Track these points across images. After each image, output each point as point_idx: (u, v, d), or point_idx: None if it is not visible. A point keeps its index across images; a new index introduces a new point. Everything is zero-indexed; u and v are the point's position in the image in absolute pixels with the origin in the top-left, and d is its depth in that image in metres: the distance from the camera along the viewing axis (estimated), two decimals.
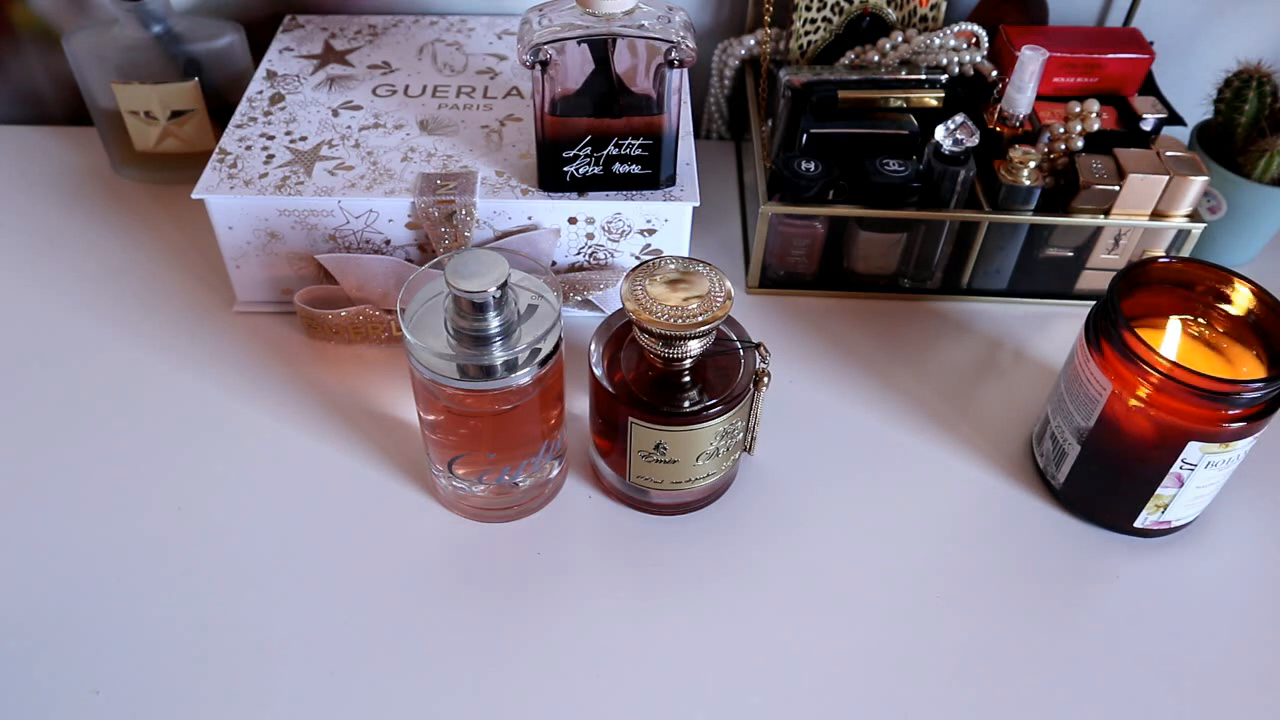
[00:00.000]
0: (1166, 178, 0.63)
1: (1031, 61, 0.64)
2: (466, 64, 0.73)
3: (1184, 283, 0.55)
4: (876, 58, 0.71)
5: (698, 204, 0.62)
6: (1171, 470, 0.51)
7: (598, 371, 0.52)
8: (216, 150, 0.64)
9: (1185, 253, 0.67)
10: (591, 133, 0.59)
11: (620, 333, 0.54)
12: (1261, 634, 0.52)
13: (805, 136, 0.66)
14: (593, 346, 0.53)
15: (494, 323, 0.47)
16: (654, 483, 0.54)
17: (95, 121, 0.75)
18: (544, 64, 0.56)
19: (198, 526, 0.55)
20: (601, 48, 0.55)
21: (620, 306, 0.51)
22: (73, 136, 0.82)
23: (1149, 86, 0.71)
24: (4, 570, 0.53)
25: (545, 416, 0.52)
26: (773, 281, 0.70)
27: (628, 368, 0.53)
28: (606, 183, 0.61)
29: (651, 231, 0.64)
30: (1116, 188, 0.64)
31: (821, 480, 0.58)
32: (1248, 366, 0.53)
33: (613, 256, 0.65)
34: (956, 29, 0.71)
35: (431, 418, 0.52)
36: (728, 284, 0.49)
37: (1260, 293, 0.53)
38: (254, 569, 0.53)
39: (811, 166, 0.65)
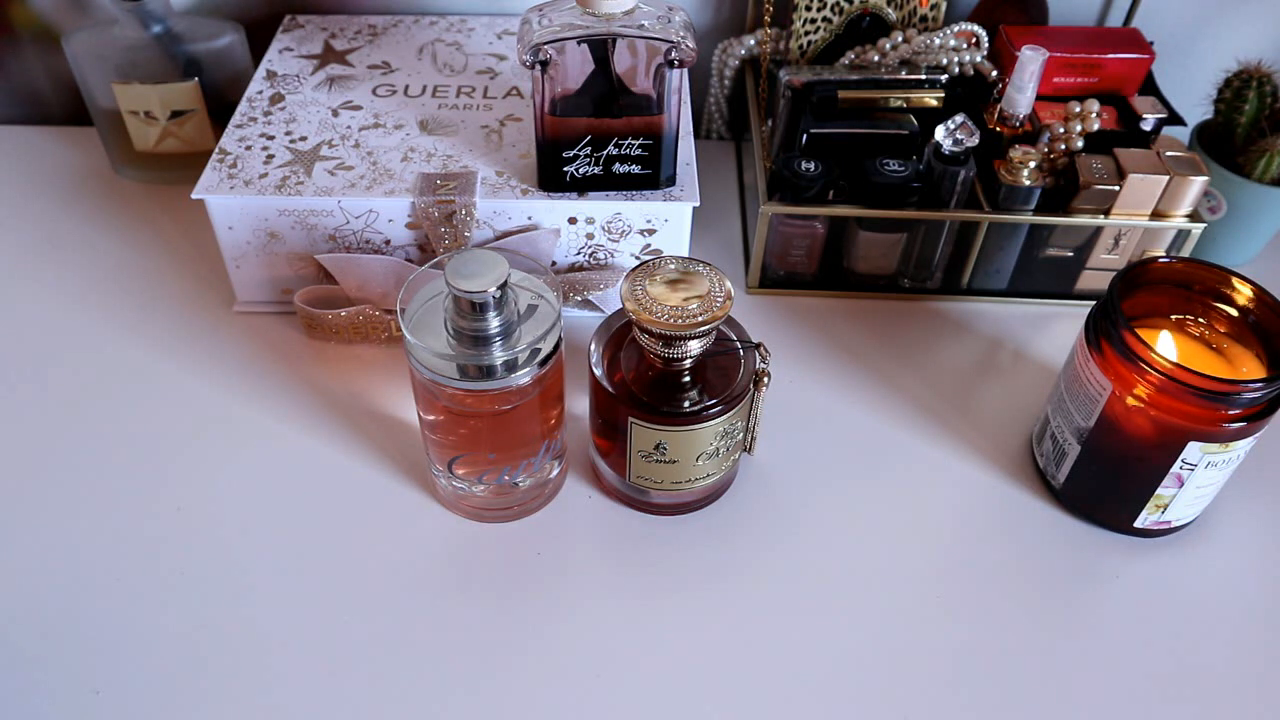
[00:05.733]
0: (1166, 178, 0.63)
1: (1031, 61, 0.64)
2: (466, 64, 0.73)
3: (1184, 283, 0.55)
4: (876, 58, 0.71)
5: (698, 204, 0.62)
6: (1171, 470, 0.51)
7: (598, 371, 0.52)
8: (216, 150, 0.64)
9: (1185, 253, 0.67)
10: (591, 133, 0.59)
11: (620, 333, 0.54)
12: (1261, 634, 0.52)
13: (805, 136, 0.66)
14: (593, 346, 0.53)
15: (494, 323, 0.47)
16: (654, 483, 0.54)
17: (95, 121, 0.75)
18: (544, 64, 0.56)
19: (198, 526, 0.55)
20: (601, 48, 0.55)
21: (620, 306, 0.51)
22: (73, 136, 0.82)
23: (1149, 86, 0.71)
24: (4, 570, 0.53)
25: (545, 416, 0.52)
26: (773, 281, 0.70)
27: (628, 368, 0.53)
28: (606, 183, 0.61)
29: (651, 231, 0.64)
30: (1116, 188, 0.64)
31: (821, 480, 0.58)
32: (1248, 366, 0.53)
33: (613, 256, 0.65)
34: (956, 29, 0.71)
35: (431, 418, 0.52)
36: (728, 284, 0.49)
37: (1260, 293, 0.53)
38: (254, 569, 0.53)
39: (811, 166, 0.65)
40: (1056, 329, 0.69)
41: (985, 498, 0.58)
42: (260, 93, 0.69)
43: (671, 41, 0.55)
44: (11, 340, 0.65)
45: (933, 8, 0.73)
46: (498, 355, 0.48)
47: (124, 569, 0.53)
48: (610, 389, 0.51)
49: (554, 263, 0.65)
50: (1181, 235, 0.66)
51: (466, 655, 0.50)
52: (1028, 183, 0.64)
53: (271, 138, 0.65)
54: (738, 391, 0.52)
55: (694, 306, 0.48)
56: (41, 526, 0.55)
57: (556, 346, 0.50)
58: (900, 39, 0.71)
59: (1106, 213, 0.65)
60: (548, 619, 0.52)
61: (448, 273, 0.46)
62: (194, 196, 0.60)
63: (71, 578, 0.53)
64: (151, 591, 0.52)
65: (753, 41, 0.77)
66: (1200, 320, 0.55)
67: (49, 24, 0.78)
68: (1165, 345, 0.54)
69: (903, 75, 0.68)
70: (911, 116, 0.67)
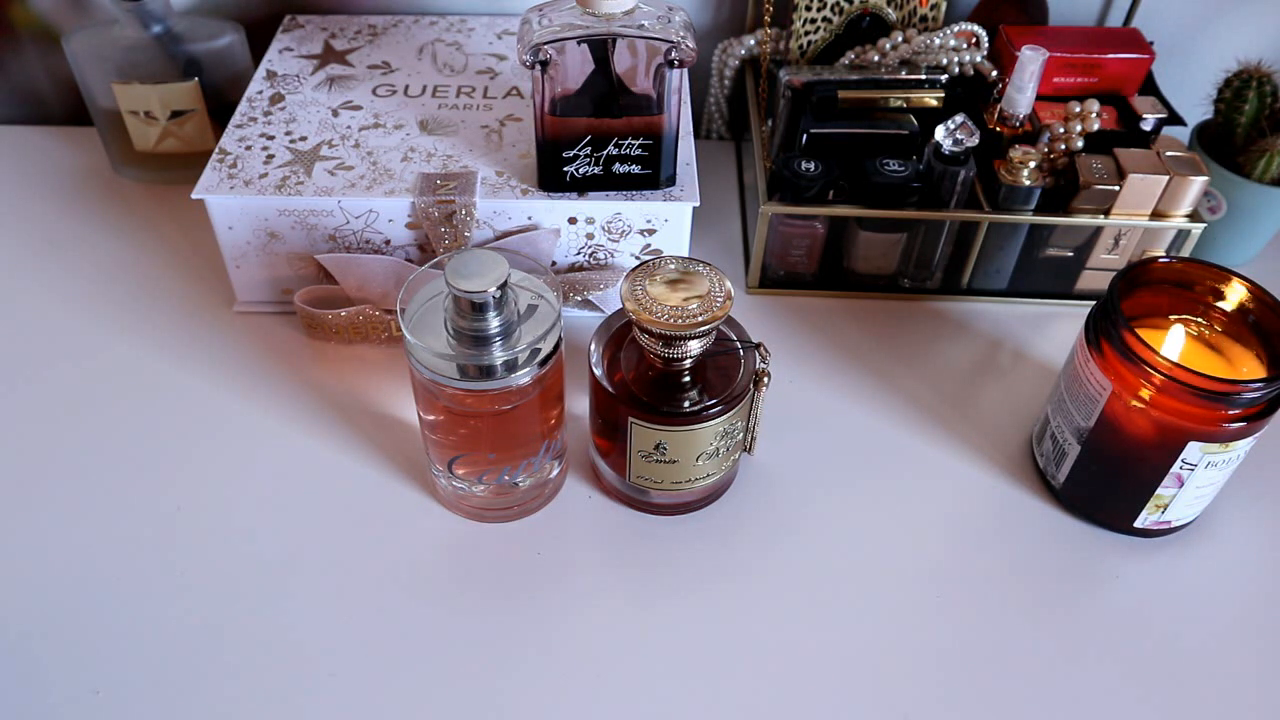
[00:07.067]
0: (1166, 178, 0.63)
1: (1031, 61, 0.64)
2: (466, 64, 0.73)
3: (1184, 283, 0.55)
4: (876, 58, 0.71)
5: (698, 204, 0.62)
6: (1171, 470, 0.51)
7: (598, 371, 0.52)
8: (216, 150, 0.64)
9: (1185, 253, 0.67)
10: (591, 133, 0.59)
11: (620, 333, 0.54)
12: (1261, 634, 0.52)
13: (805, 136, 0.66)
14: (593, 346, 0.53)
15: (494, 323, 0.47)
16: (654, 483, 0.54)
17: (95, 121, 0.75)
18: (544, 64, 0.56)
19: (197, 526, 0.55)
20: (601, 48, 0.55)
21: (620, 306, 0.51)
22: (73, 136, 0.82)
23: (1149, 86, 0.71)
24: (4, 570, 0.53)
25: (545, 416, 0.52)
26: (773, 281, 0.70)
27: (628, 368, 0.53)
28: (606, 183, 0.61)
29: (651, 231, 0.64)
30: (1116, 188, 0.64)
31: (821, 480, 0.58)
32: (1248, 366, 0.53)
33: (613, 256, 0.65)
34: (956, 29, 0.71)
35: (431, 418, 0.52)
36: (728, 284, 0.49)
37: (1260, 293, 0.53)
38: (254, 569, 0.53)
39: (811, 166, 0.65)
40: (1056, 329, 0.69)
41: (985, 498, 0.58)
42: (260, 93, 0.69)
43: (671, 41, 0.55)
44: (11, 340, 0.65)
45: (933, 8, 0.73)
46: (498, 355, 0.48)
47: (124, 569, 0.53)
48: (610, 389, 0.51)
49: (554, 263, 0.65)
50: (1181, 235, 0.66)
51: (466, 655, 0.50)
52: (1028, 183, 0.64)
53: (271, 138, 0.65)
54: (738, 391, 0.52)
55: (694, 306, 0.48)
56: (41, 526, 0.55)
57: (556, 346, 0.50)
58: (900, 39, 0.71)
59: (1106, 213, 0.65)
60: (548, 619, 0.52)
61: (448, 273, 0.46)
62: (194, 196, 0.60)
63: (71, 577, 0.53)
64: (151, 591, 0.52)
65: (753, 41, 0.77)
66: (1200, 320, 0.55)
67: (49, 24, 0.78)
68: (1165, 345, 0.54)
69: (903, 75, 0.68)
70: (911, 116, 0.67)
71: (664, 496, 0.55)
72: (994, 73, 0.71)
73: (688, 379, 0.52)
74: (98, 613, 0.51)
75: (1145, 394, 0.50)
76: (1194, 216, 0.65)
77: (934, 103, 0.68)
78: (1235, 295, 0.54)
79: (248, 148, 0.64)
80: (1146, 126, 0.68)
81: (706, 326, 0.48)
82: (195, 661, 0.49)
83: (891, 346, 0.67)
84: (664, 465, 0.53)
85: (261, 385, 0.62)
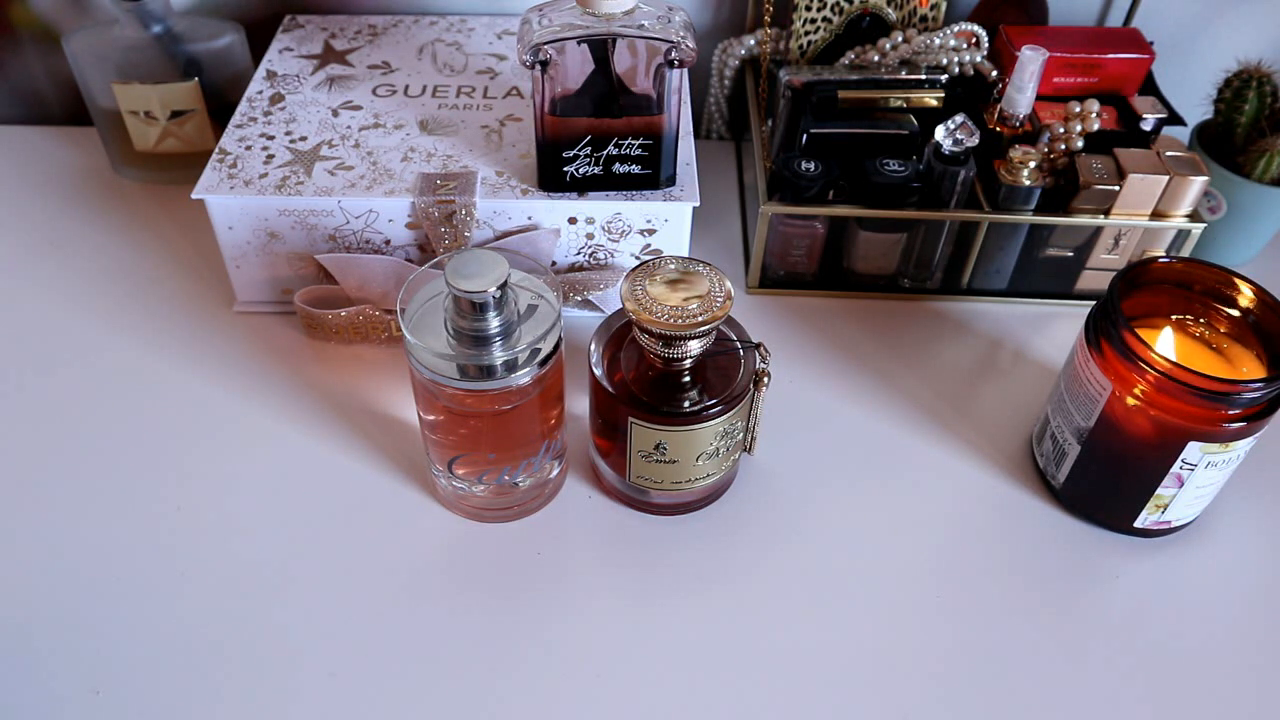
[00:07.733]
0: (1166, 178, 0.63)
1: (1031, 61, 0.64)
2: (466, 64, 0.73)
3: (1184, 283, 0.55)
4: (876, 58, 0.71)
5: (698, 204, 0.62)
6: (1171, 470, 0.51)
7: (598, 371, 0.52)
8: (216, 150, 0.64)
9: (1185, 253, 0.67)
10: (591, 133, 0.59)
11: (620, 333, 0.54)
12: (1261, 634, 0.52)
13: (805, 136, 0.66)
14: (593, 346, 0.53)
15: (494, 323, 0.47)
16: (654, 483, 0.54)
17: (95, 121, 0.75)
18: (544, 64, 0.56)
19: (197, 526, 0.55)
20: (601, 48, 0.55)
21: (620, 306, 0.51)
22: (73, 136, 0.82)
23: (1149, 86, 0.71)
24: (4, 570, 0.53)
25: (545, 416, 0.52)
26: (773, 281, 0.70)
27: (628, 368, 0.53)
28: (606, 183, 0.61)
29: (651, 231, 0.64)
30: (1116, 188, 0.64)
31: (821, 480, 0.58)
32: (1248, 366, 0.53)
33: (613, 256, 0.65)
34: (956, 29, 0.71)
35: (431, 418, 0.52)
36: (728, 284, 0.49)
37: (1260, 293, 0.53)
38: (254, 569, 0.53)
39: (811, 166, 0.65)
40: (1056, 329, 0.69)
41: (985, 498, 0.58)
42: (260, 93, 0.69)
43: (671, 41, 0.55)
44: (10, 340, 0.65)
45: (933, 8, 0.73)
46: (498, 355, 0.48)
47: (124, 569, 0.53)
48: (610, 389, 0.51)
49: (554, 263, 0.65)
50: (1181, 235, 0.66)
51: (466, 655, 0.50)
52: (1028, 183, 0.64)
53: (271, 138, 0.65)
54: (738, 391, 0.52)
55: (694, 306, 0.48)
56: (41, 526, 0.55)
57: (556, 346, 0.50)
58: (900, 39, 0.71)
59: (1106, 213, 0.65)
60: (548, 619, 0.52)
61: (448, 273, 0.46)
62: (194, 196, 0.60)
63: (71, 577, 0.53)
64: (152, 591, 0.52)
65: (753, 41, 0.77)
66: (1200, 320, 0.55)
67: (49, 24, 0.78)
68: (1165, 345, 0.54)
69: (903, 75, 0.68)
70: (911, 116, 0.67)
71: (664, 496, 0.55)
72: (994, 73, 0.71)
73: (688, 379, 0.52)
74: (98, 612, 0.51)
75: (1144, 394, 0.50)
76: (1194, 216, 0.65)
77: (934, 103, 0.68)
78: (1235, 295, 0.54)
79: (248, 148, 0.64)
80: (1146, 126, 0.68)
81: (706, 326, 0.48)
82: (195, 661, 0.49)
83: (891, 346, 0.67)
84: (664, 465, 0.53)
85: (261, 385, 0.62)
